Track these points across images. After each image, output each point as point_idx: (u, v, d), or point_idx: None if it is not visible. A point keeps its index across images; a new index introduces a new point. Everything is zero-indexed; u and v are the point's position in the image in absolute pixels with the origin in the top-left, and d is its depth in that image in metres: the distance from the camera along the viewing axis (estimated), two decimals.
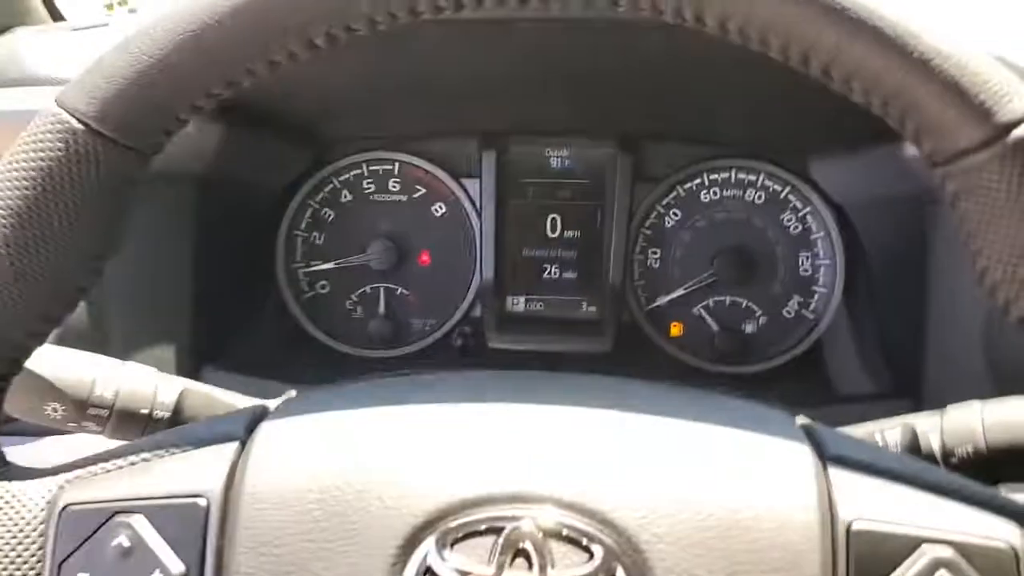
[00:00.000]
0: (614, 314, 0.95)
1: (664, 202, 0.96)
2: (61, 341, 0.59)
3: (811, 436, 0.44)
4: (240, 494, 0.43)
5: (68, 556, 0.44)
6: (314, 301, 0.98)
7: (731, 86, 0.71)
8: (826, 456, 0.43)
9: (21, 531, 0.45)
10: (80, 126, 0.43)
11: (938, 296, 0.79)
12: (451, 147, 0.98)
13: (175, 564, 0.42)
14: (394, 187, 0.98)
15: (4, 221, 0.44)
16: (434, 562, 0.39)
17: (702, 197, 0.95)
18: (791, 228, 0.94)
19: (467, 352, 0.92)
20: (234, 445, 0.45)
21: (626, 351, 0.88)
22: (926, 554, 0.40)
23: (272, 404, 0.48)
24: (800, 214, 0.92)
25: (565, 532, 0.39)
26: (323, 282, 0.98)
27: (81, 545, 0.44)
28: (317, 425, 0.45)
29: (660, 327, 0.95)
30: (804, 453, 0.42)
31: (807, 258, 0.94)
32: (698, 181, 0.94)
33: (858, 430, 0.55)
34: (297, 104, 0.79)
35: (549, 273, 0.98)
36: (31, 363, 0.50)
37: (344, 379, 0.50)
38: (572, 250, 0.97)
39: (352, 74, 0.76)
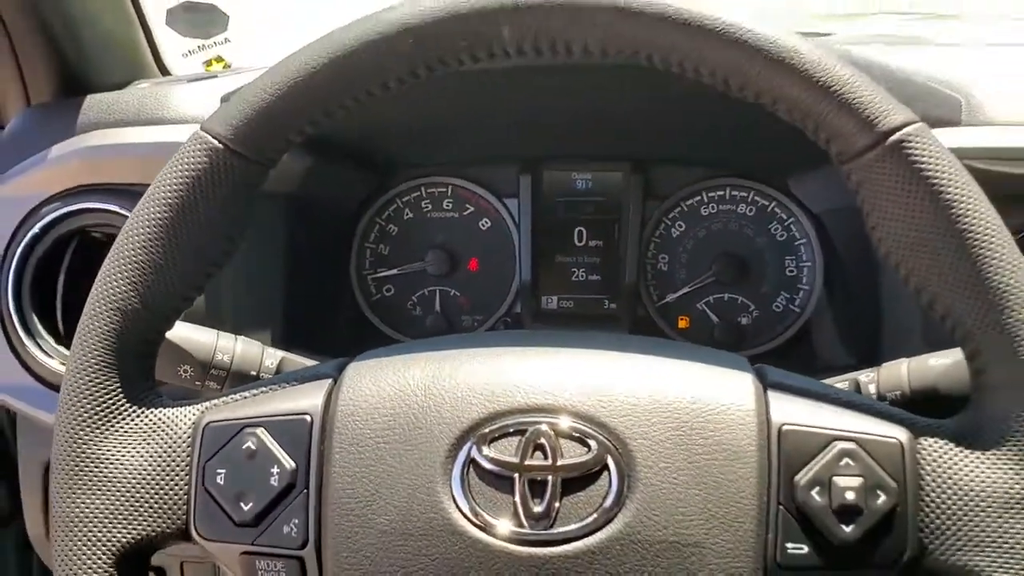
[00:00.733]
0: (630, 309, 1.09)
1: (670, 216, 1.09)
2: (188, 319, 0.76)
3: (757, 370, 0.60)
4: (335, 412, 0.59)
5: (210, 458, 0.59)
6: (381, 302, 1.11)
7: (717, 118, 0.82)
8: (766, 382, 0.58)
9: (174, 442, 0.61)
10: (220, 145, 0.60)
11: (889, 286, 0.93)
12: (494, 172, 1.11)
13: (288, 462, 0.58)
14: (447, 206, 1.11)
15: (163, 217, 0.61)
16: (475, 455, 0.56)
17: (702, 211, 1.08)
18: (777, 236, 1.06)
19: None
20: (328, 381, 0.61)
21: None
22: (836, 447, 0.55)
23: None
24: (785, 224, 1.05)
25: (571, 432, 0.56)
26: (388, 286, 1.12)
27: (219, 450, 0.60)
28: (388, 364, 0.61)
29: (669, 320, 1.07)
30: (749, 379, 0.58)
31: (792, 260, 1.06)
32: (698, 198, 1.08)
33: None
34: (368, 138, 0.91)
35: (576, 276, 1.11)
36: (170, 334, 0.67)
37: None
38: (595, 257, 1.10)
39: (413, 112, 0.87)
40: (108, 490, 0.60)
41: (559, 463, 0.55)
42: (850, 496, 0.54)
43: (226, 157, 0.60)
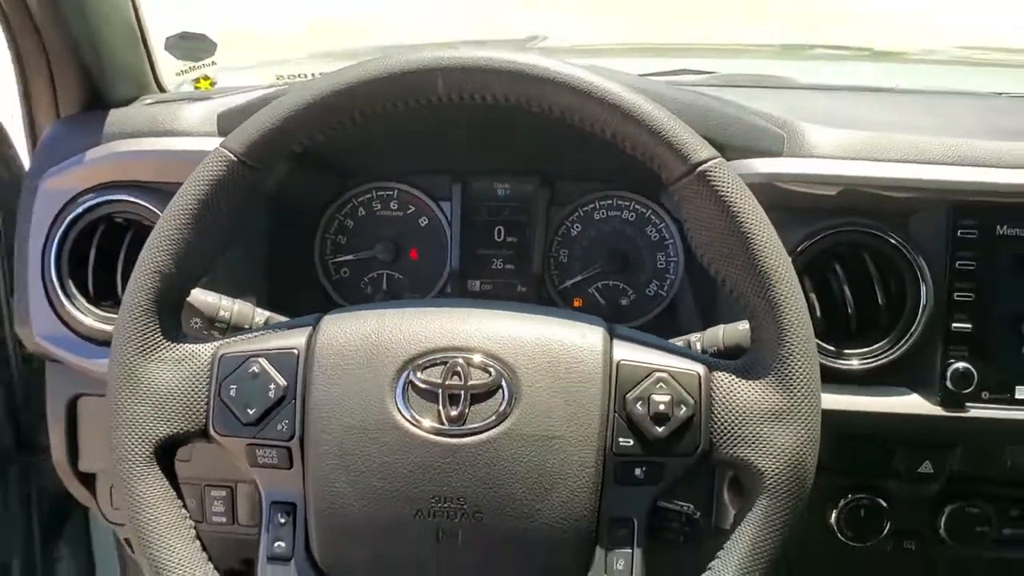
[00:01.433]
0: (537, 292, 1.26)
1: (570, 219, 1.26)
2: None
3: (609, 327, 0.84)
4: (314, 347, 0.82)
5: (225, 378, 0.83)
6: (339, 281, 1.28)
7: (604, 147, 0.94)
8: (613, 333, 0.83)
9: (198, 368, 0.83)
10: (235, 158, 0.83)
11: None
12: (432, 181, 1.25)
13: (281, 381, 0.82)
14: (393, 206, 1.27)
15: (193, 208, 0.83)
16: (412, 378, 0.80)
17: (595, 216, 1.25)
18: (652, 236, 1.24)
19: None
20: (309, 327, 0.84)
21: None
22: (654, 375, 0.81)
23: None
24: (657, 227, 1.24)
25: (478, 362, 0.80)
26: (345, 268, 1.28)
27: (231, 373, 0.83)
28: (352, 316, 0.84)
29: (567, 301, 1.26)
30: (600, 331, 0.82)
31: (661, 256, 1.24)
32: (592, 205, 1.25)
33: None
34: (332, 151, 1.05)
35: (495, 265, 1.26)
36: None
37: None
38: (510, 250, 1.26)
39: (369, 133, 0.98)
40: (150, 400, 0.83)
41: (469, 383, 0.80)
42: (662, 408, 0.79)
43: (239, 167, 0.83)
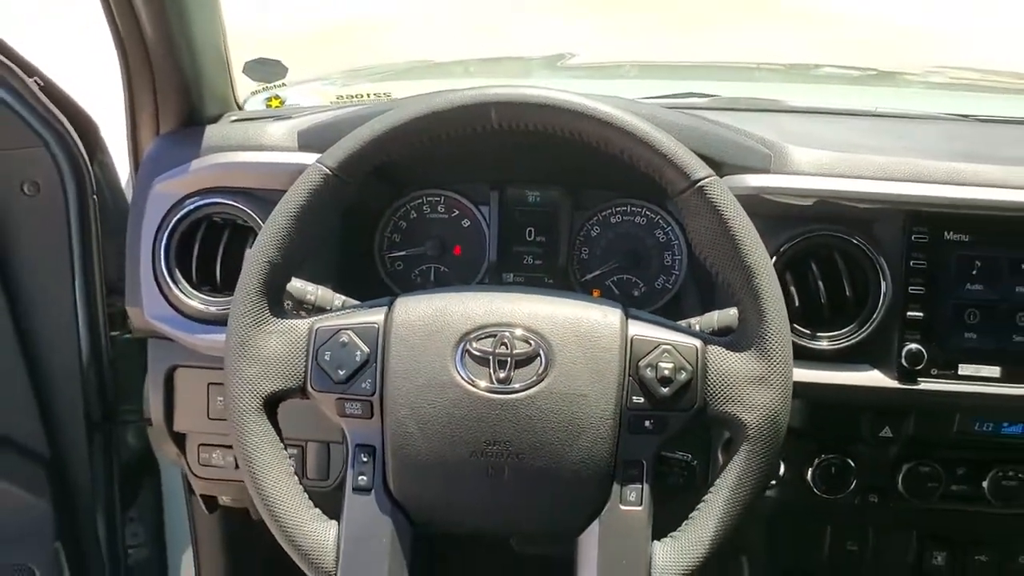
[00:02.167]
0: (562, 284, 1.39)
1: (591, 222, 1.40)
2: None
3: (624, 309, 1.03)
4: (391, 323, 1.00)
5: (320, 346, 1.00)
6: (394, 273, 1.43)
7: (615, 162, 1.03)
8: (628, 314, 1.02)
9: (298, 338, 1.01)
10: (330, 172, 1.02)
11: None
12: (473, 188, 1.41)
13: (365, 348, 1.00)
14: (440, 210, 1.42)
15: (295, 212, 1.02)
16: (468, 348, 0.98)
17: (611, 220, 1.40)
18: (660, 238, 1.39)
19: None
20: (385, 307, 1.02)
21: None
22: (660, 347, 1.00)
23: None
24: (665, 230, 1.39)
25: (521, 335, 0.99)
26: (399, 263, 1.43)
27: (325, 342, 1.01)
28: (420, 298, 1.02)
29: (587, 291, 1.39)
30: (618, 312, 1.01)
31: (668, 255, 1.40)
32: (609, 211, 1.39)
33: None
34: (391, 164, 1.09)
35: (526, 261, 1.41)
36: None
37: None
38: (540, 248, 1.41)
39: (423, 153, 1.08)
40: (260, 363, 1.01)
41: (514, 352, 0.99)
42: (666, 372, 0.98)
43: (332, 179, 1.03)
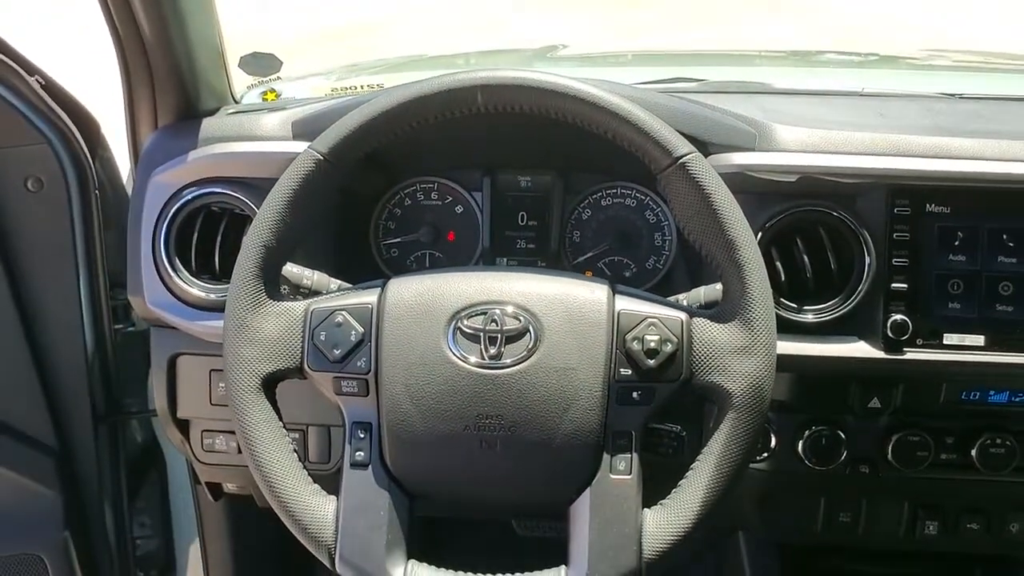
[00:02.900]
0: (555, 267, 1.40)
1: (581, 205, 1.42)
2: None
3: (612, 285, 1.05)
4: (384, 303, 1.02)
5: (316, 327, 1.03)
6: (390, 260, 1.46)
7: (604, 145, 1.06)
8: (615, 289, 1.04)
9: (294, 319, 1.04)
10: (321, 158, 1.05)
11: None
12: (466, 174, 1.43)
13: (360, 328, 1.02)
14: (434, 196, 1.45)
15: (288, 197, 1.04)
16: (460, 325, 1.01)
17: (602, 202, 1.42)
18: (650, 219, 1.42)
19: None
20: (378, 288, 1.04)
21: None
22: (647, 320, 1.02)
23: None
24: (655, 211, 1.42)
25: (511, 312, 1.01)
26: (394, 249, 1.46)
27: (321, 323, 1.03)
28: (412, 279, 1.04)
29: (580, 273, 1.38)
30: (605, 287, 1.03)
31: (658, 235, 1.42)
32: (600, 194, 1.42)
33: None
34: (384, 151, 1.13)
35: (519, 245, 1.43)
36: None
37: None
38: (532, 232, 1.43)
39: (414, 138, 1.10)
40: (257, 344, 1.04)
41: (504, 328, 1.02)
42: (653, 345, 1.01)
43: (324, 164, 1.06)
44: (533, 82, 1.04)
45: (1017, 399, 1.30)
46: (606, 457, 1.02)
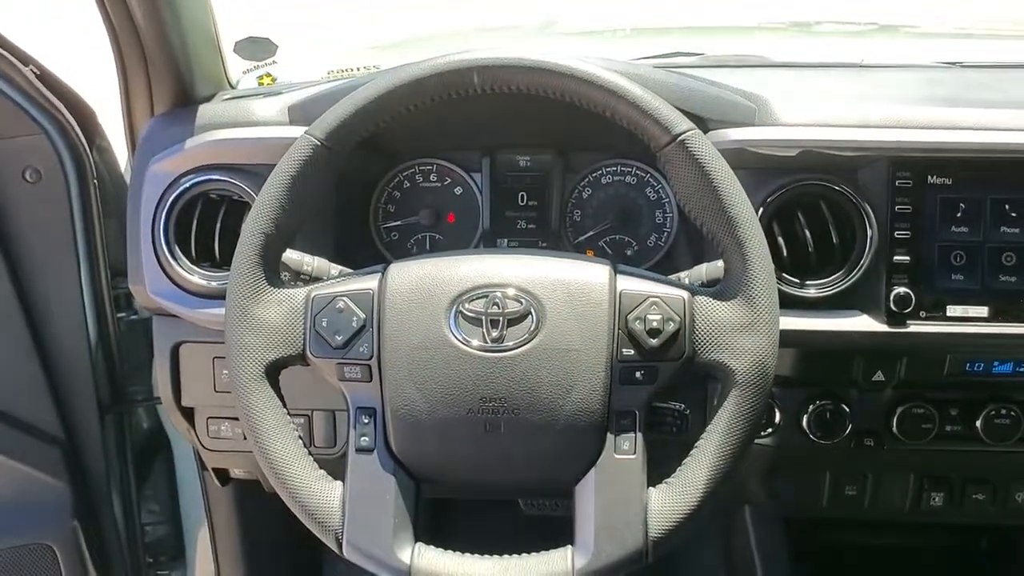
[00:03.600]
0: (555, 247, 1.41)
1: (582, 184, 1.41)
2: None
3: (613, 265, 1.05)
4: (384, 288, 1.02)
5: (317, 313, 1.03)
6: (390, 243, 1.45)
7: (603, 123, 1.06)
8: (616, 269, 1.04)
9: (296, 306, 1.04)
10: (319, 143, 1.04)
11: None
12: (465, 156, 1.42)
13: (361, 314, 1.02)
14: (433, 178, 1.44)
15: (287, 183, 1.03)
16: (462, 309, 1.01)
17: (603, 180, 1.41)
18: (651, 196, 1.41)
19: None
20: (379, 273, 1.04)
21: None
22: (648, 300, 1.02)
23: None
24: (655, 188, 1.41)
25: (512, 295, 1.01)
26: (394, 232, 1.45)
27: (322, 309, 1.03)
28: (413, 263, 1.04)
29: (581, 253, 1.40)
30: (607, 268, 1.03)
31: (660, 213, 1.42)
32: (600, 172, 1.41)
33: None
34: (382, 134, 1.11)
35: (520, 225, 1.43)
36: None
37: None
38: (532, 212, 1.42)
39: (412, 120, 1.09)
40: (259, 332, 1.04)
41: (506, 311, 1.01)
42: (655, 324, 1.01)
43: (321, 150, 1.05)
44: (529, 62, 1.03)
45: (1022, 369, 1.29)
46: (610, 437, 1.02)
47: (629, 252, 1.44)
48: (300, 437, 1.06)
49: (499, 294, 1.02)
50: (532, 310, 1.02)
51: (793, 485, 1.42)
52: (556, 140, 1.41)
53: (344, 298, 1.05)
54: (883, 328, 1.23)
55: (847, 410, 1.31)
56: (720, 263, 1.09)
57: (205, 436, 1.45)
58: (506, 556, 1.02)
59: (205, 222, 1.33)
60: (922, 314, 1.23)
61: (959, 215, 1.22)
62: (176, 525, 1.88)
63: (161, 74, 1.37)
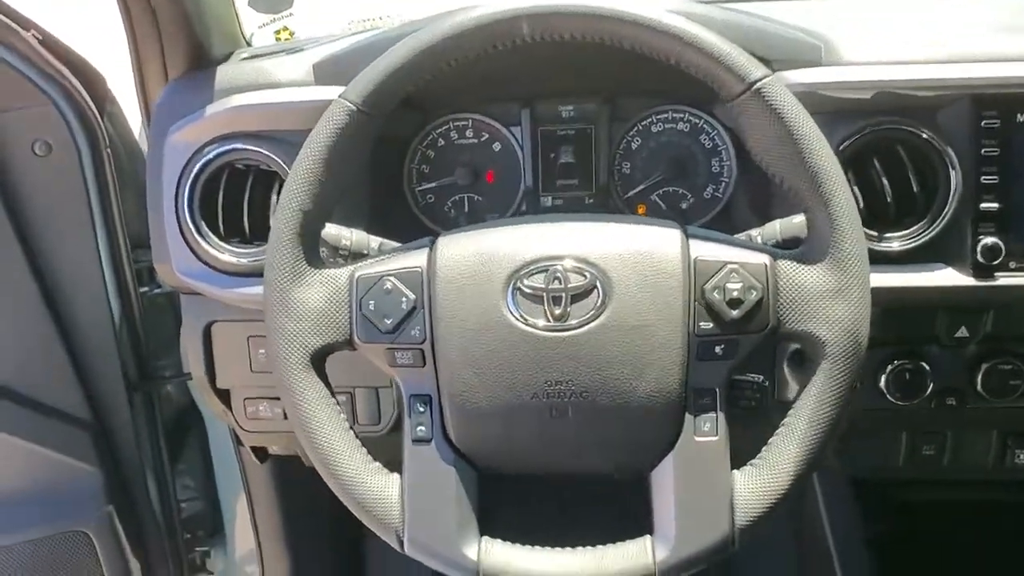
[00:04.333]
0: (604, 203, 1.33)
1: (630, 133, 1.32)
2: None
3: (683, 228, 0.97)
4: (435, 265, 0.95)
5: (363, 295, 0.96)
6: (426, 207, 1.36)
7: (654, 66, 0.99)
8: (687, 233, 0.96)
9: (339, 288, 0.96)
10: (355, 108, 0.96)
11: None
12: (503, 108, 1.33)
13: (411, 295, 0.95)
14: (469, 135, 1.35)
15: (322, 154, 0.96)
16: (520, 286, 0.93)
17: (653, 129, 1.32)
18: (706, 144, 1.32)
19: None
20: (426, 248, 0.97)
21: None
22: (727, 267, 0.94)
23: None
24: (710, 135, 1.32)
25: (574, 268, 0.93)
26: (430, 195, 1.36)
27: (368, 291, 0.96)
28: (464, 236, 0.97)
29: (631, 208, 1.33)
30: (677, 232, 0.96)
31: (716, 161, 1.32)
32: (649, 119, 1.31)
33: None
34: (416, 92, 1.04)
35: (565, 181, 1.33)
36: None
37: None
38: (578, 166, 1.32)
39: (450, 75, 1.02)
40: (303, 318, 0.97)
41: (569, 286, 0.94)
42: (735, 294, 0.93)
43: (358, 115, 0.97)
44: (585, 8, 0.94)
45: None
46: (688, 418, 0.95)
47: (684, 206, 1.35)
48: (351, 427, 0.99)
49: (560, 267, 0.94)
50: (597, 283, 0.94)
51: (868, 447, 1.35)
52: (602, 87, 1.31)
53: (391, 278, 0.97)
54: (969, 282, 1.14)
55: (927, 369, 1.24)
56: (798, 219, 1.02)
57: (243, 418, 1.39)
58: (579, 549, 0.96)
59: (232, 194, 1.25)
60: (1012, 265, 1.14)
61: None
62: (213, 500, 1.86)
63: (173, 34, 1.28)
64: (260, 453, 1.55)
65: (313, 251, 1.00)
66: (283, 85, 1.23)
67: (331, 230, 1.10)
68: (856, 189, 1.15)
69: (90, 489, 1.57)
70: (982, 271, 1.14)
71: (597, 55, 1.02)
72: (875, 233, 1.15)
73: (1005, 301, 1.19)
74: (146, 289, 1.61)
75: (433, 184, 1.37)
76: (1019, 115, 1.13)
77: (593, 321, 0.93)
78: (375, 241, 1.12)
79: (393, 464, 1.00)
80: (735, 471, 0.95)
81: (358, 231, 1.12)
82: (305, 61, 1.25)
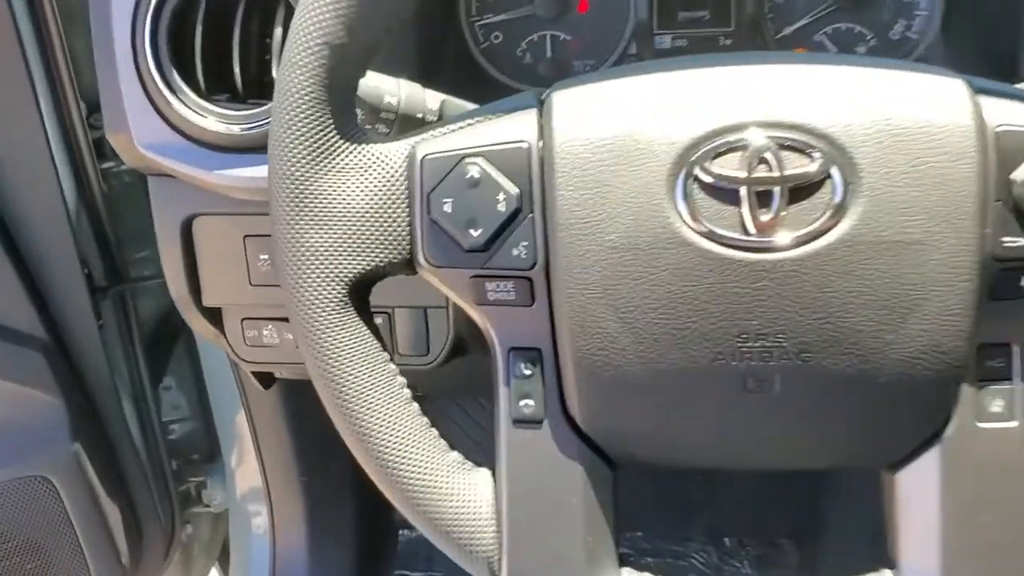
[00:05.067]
0: (746, 46, 1.08)
1: None
2: None
3: (967, 79, 0.61)
4: (551, 138, 0.61)
5: (433, 189, 0.62)
6: (490, 49, 1.12)
7: None
8: (974, 87, 0.60)
9: (392, 175, 0.64)
10: None
11: None
12: None
13: (513, 188, 0.62)
14: None
15: None
16: (698, 173, 0.59)
17: None
18: None
19: None
20: (533, 110, 0.63)
21: None
22: None
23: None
24: None
25: (795, 142, 0.58)
26: (496, 33, 1.12)
27: (441, 181, 0.62)
28: (591, 90, 0.63)
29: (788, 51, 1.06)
30: (959, 84, 0.60)
31: None
32: None
33: None
34: None
35: (692, 14, 1.09)
36: None
37: None
38: None
39: None
40: (333, 225, 0.63)
41: (785, 173, 0.58)
42: None
43: None
44: None
45: None
46: (968, 391, 0.63)
47: (862, 48, 1.07)
48: (414, 400, 0.67)
49: (769, 142, 0.59)
50: (834, 170, 0.59)
51: None
52: None
53: (479, 160, 0.63)
54: None
55: None
56: None
57: (240, 344, 1.09)
58: None
59: (215, 29, 0.89)
60: None
61: None
62: (207, 417, 1.65)
63: None
64: (264, 378, 1.28)
65: (348, 114, 0.66)
66: None
67: (369, 81, 0.77)
68: None
69: (50, 424, 1.34)
70: None
71: None
72: None
73: None
74: (111, 164, 1.34)
75: (501, 16, 1.11)
76: None
77: (824, 234, 0.59)
78: (435, 98, 0.79)
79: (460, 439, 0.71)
80: None
81: (408, 83, 0.79)
82: None
